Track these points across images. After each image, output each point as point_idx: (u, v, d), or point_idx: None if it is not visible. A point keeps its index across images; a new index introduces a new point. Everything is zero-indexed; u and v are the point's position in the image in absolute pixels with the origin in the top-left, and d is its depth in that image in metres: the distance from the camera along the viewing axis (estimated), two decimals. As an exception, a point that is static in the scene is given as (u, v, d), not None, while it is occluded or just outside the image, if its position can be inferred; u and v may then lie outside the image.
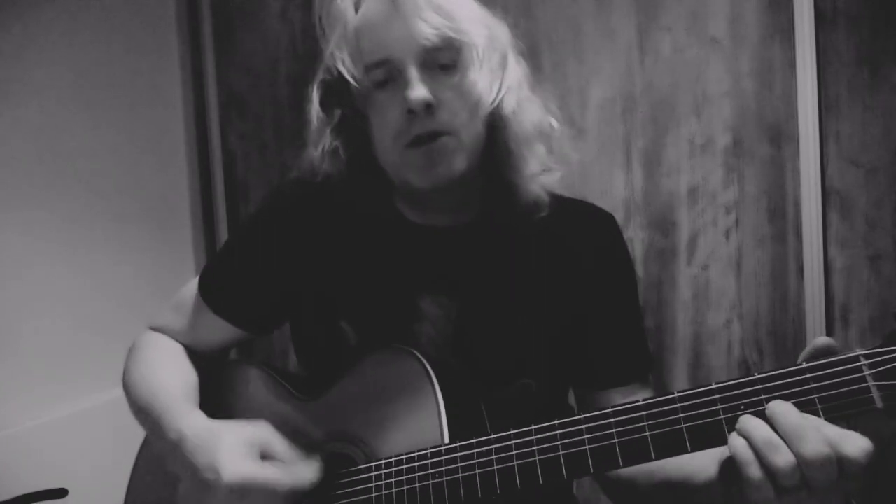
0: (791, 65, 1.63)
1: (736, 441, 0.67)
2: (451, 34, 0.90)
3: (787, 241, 1.68)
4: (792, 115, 1.64)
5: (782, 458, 0.65)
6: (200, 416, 0.92)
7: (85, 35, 1.91)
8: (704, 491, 0.81)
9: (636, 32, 1.78)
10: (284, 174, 2.17)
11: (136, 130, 2.06)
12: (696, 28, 1.72)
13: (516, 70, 0.99)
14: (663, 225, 1.79)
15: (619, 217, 1.09)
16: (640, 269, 1.80)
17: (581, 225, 1.04)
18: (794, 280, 1.67)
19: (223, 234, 2.27)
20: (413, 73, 0.89)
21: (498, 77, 0.96)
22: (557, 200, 1.02)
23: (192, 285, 1.10)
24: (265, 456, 0.84)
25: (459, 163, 0.93)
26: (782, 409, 0.66)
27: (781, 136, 1.66)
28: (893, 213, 1.57)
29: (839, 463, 0.64)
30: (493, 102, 0.95)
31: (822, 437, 0.64)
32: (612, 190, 1.83)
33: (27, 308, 1.74)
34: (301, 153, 1.05)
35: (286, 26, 2.15)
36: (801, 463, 0.64)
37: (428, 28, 0.88)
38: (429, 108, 0.89)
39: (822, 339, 0.70)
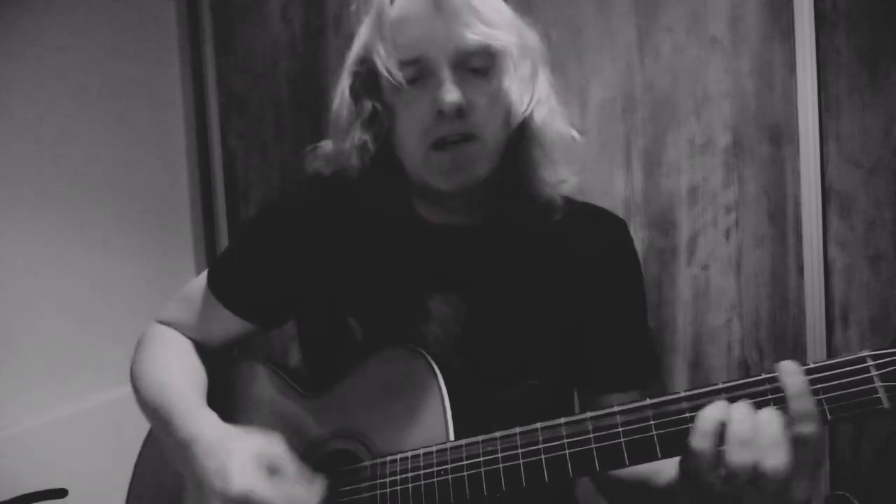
0: (791, 65, 1.63)
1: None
2: (491, 41, 0.89)
3: (787, 241, 1.68)
4: (792, 115, 1.64)
5: (744, 455, 0.67)
6: (215, 419, 0.91)
7: (85, 35, 1.91)
8: (669, 487, 0.82)
9: (636, 32, 1.78)
10: (284, 174, 2.17)
11: (136, 130, 2.05)
12: (696, 28, 1.72)
13: (545, 79, 0.98)
14: (663, 225, 1.79)
15: (620, 216, 1.09)
16: (640, 269, 1.80)
17: (591, 229, 1.04)
18: (794, 280, 1.68)
19: (223, 234, 2.27)
20: (447, 73, 0.89)
21: (529, 86, 0.95)
22: (569, 204, 1.02)
23: (201, 279, 1.09)
24: (273, 471, 0.83)
25: (482, 169, 0.94)
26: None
27: (781, 136, 1.67)
28: (893, 213, 1.57)
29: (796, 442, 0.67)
30: (524, 112, 0.95)
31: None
32: (612, 190, 1.83)
33: (27, 308, 1.74)
34: (309, 149, 1.05)
35: (286, 26, 2.15)
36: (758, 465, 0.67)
37: (469, 32, 0.88)
38: (459, 111, 0.89)
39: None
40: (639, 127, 1.79)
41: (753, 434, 0.67)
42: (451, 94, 0.88)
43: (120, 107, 2.00)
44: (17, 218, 1.73)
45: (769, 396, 0.69)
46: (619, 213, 1.78)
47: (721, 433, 0.69)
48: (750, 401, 0.70)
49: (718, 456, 0.69)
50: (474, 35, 0.88)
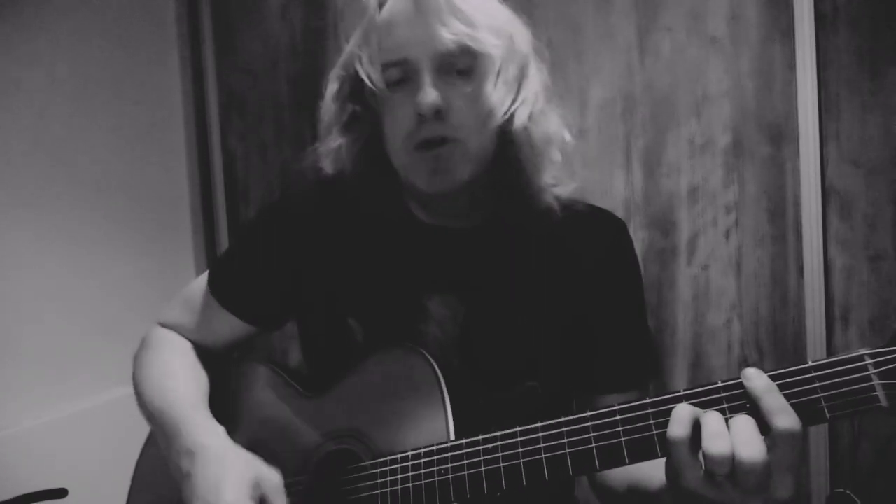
0: (791, 65, 1.63)
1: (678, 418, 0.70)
2: (469, 43, 0.89)
3: (787, 241, 1.68)
4: (792, 115, 1.64)
5: (720, 445, 0.67)
6: (221, 432, 0.92)
7: (85, 35, 1.91)
8: (659, 493, 0.83)
9: (636, 32, 1.78)
10: (284, 174, 2.17)
11: (136, 131, 2.05)
12: (696, 28, 1.72)
13: (535, 81, 0.98)
14: (663, 225, 1.79)
15: (619, 217, 1.09)
16: (640, 270, 1.80)
17: (590, 230, 1.04)
18: (794, 280, 1.68)
19: (223, 234, 2.27)
20: (427, 77, 0.89)
21: (513, 89, 0.95)
22: (568, 205, 1.02)
23: (201, 280, 1.10)
24: (263, 502, 0.85)
25: (463, 171, 0.93)
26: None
27: (781, 136, 1.67)
28: (893, 213, 1.57)
29: (773, 442, 0.67)
30: (504, 114, 0.94)
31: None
32: (612, 190, 1.83)
33: (27, 308, 1.74)
34: (304, 151, 1.05)
35: (286, 26, 2.15)
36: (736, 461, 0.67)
37: (447, 33, 0.88)
38: (438, 113, 0.89)
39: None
40: (639, 127, 1.79)
41: (726, 429, 0.68)
42: (429, 96, 0.88)
43: (120, 107, 2.00)
44: (17, 218, 1.73)
45: (745, 402, 0.70)
46: (619, 213, 1.78)
47: (697, 426, 0.70)
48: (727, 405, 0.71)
49: (696, 450, 0.70)
50: (451, 35, 0.88)
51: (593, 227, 1.05)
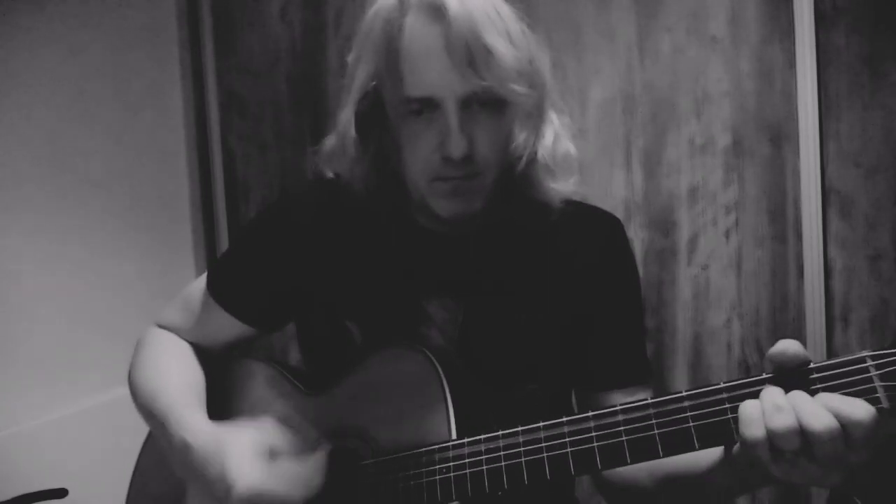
0: (791, 65, 1.63)
1: (747, 403, 0.68)
2: (501, 91, 0.87)
3: (787, 241, 1.68)
4: (792, 115, 1.64)
5: (783, 420, 0.65)
6: (203, 421, 0.91)
7: (85, 35, 1.91)
8: (709, 474, 0.81)
9: (636, 32, 1.78)
10: (284, 174, 2.17)
11: (136, 131, 2.05)
12: (696, 28, 1.73)
13: (553, 104, 0.98)
14: (663, 225, 1.79)
15: (619, 217, 1.09)
16: (640, 269, 1.80)
17: (586, 229, 1.04)
18: (794, 280, 1.68)
19: (223, 234, 2.27)
20: (454, 120, 0.87)
21: (537, 124, 0.95)
22: (565, 203, 1.02)
23: (200, 282, 1.09)
24: (273, 454, 0.83)
25: (480, 201, 0.94)
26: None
27: (781, 136, 1.67)
28: (893, 213, 1.57)
29: (845, 430, 0.64)
30: (525, 148, 0.94)
31: (827, 408, 0.65)
32: (612, 190, 1.83)
33: (27, 308, 1.74)
34: (304, 151, 1.05)
35: (286, 26, 2.15)
36: (809, 435, 0.65)
37: (477, 80, 0.85)
38: (466, 157, 0.88)
39: (788, 344, 0.70)
40: (639, 127, 1.80)
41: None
42: (459, 147, 0.87)
43: (120, 107, 2.00)
44: (17, 217, 1.73)
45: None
46: (619, 212, 1.79)
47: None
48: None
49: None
50: (483, 82, 0.85)
51: (589, 225, 1.05)
